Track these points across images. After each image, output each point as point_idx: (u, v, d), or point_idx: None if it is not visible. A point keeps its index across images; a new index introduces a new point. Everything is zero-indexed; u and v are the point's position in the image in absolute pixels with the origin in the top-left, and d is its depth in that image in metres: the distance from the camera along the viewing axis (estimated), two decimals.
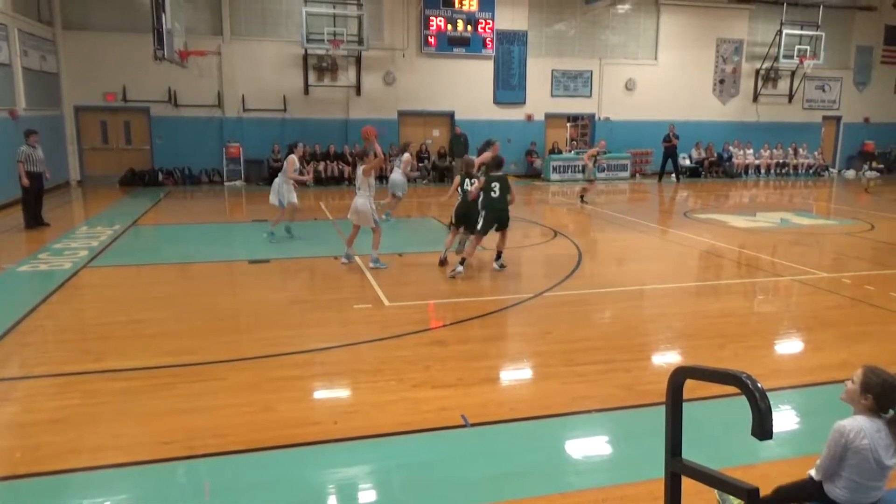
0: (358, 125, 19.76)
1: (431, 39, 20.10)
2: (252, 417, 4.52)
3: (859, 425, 2.83)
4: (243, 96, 19.00)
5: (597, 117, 22.22)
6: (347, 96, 19.87)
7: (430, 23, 20.00)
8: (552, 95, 21.63)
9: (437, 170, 20.57)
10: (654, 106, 22.22)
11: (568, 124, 23.37)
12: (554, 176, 20.91)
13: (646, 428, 4.32)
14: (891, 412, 2.84)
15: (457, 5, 20.05)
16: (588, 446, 4.37)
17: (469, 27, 20.26)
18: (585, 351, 5.95)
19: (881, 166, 24.01)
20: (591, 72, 21.76)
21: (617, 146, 21.80)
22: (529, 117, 21.57)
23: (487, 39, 20.44)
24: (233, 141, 18.90)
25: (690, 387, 2.51)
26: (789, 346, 6.54)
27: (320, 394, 5.12)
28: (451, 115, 21.07)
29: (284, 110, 19.37)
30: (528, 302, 7.54)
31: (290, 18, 19.02)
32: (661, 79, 22.36)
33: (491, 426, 4.47)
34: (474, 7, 20.16)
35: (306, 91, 19.43)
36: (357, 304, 7.33)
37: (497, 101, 21.16)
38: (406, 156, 12.97)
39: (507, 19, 20.54)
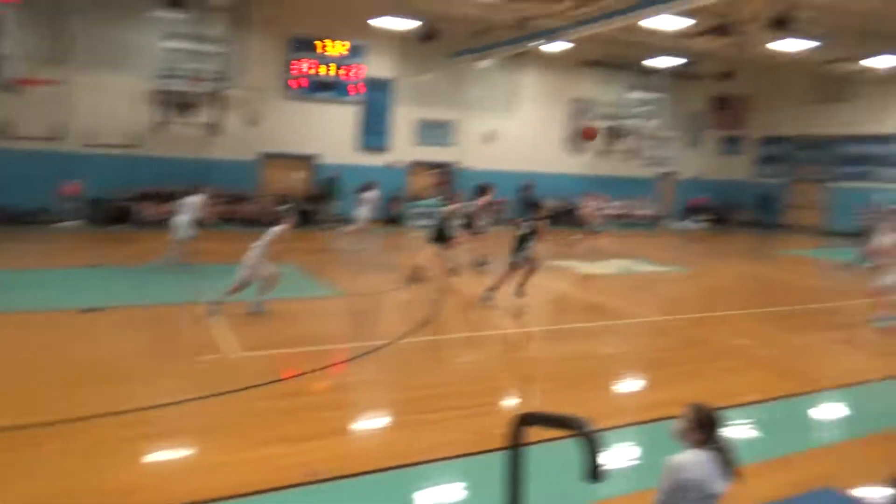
0: (219, 165, 19.07)
1: (297, 82, 19.93)
2: (73, 486, 4.06)
3: (690, 459, 3.04)
4: (90, 130, 17.66)
5: (459, 166, 22.96)
6: (207, 135, 19.10)
7: (297, 65, 19.85)
8: (417, 143, 22.12)
9: (301, 213, 20.14)
10: (512, 157, 23.33)
11: (430, 172, 23.93)
12: (417, 222, 21.21)
13: (496, 473, 4.36)
14: (717, 443, 3.08)
15: (326, 50, 20.09)
16: (438, 495, 4.34)
17: (338, 72, 20.33)
18: (440, 397, 5.97)
19: (710, 217, 26.71)
20: (454, 122, 22.54)
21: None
22: (394, 164, 21.86)
23: (355, 85, 20.61)
24: (72, 177, 17.38)
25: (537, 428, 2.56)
26: (628, 385, 6.96)
27: (156, 456, 4.71)
28: (315, 159, 20.88)
29: (136, 147, 18.22)
30: (385, 349, 7.48)
31: (147, 51, 18.10)
32: (518, 132, 23.59)
33: (342, 480, 4.32)
34: (344, 52, 20.30)
35: (162, 127, 18.44)
36: (201, 355, 6.88)
37: (364, 147, 21.28)
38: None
39: (376, 67, 20.88)
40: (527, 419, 2.60)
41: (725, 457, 3.03)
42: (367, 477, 4.40)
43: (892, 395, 7.06)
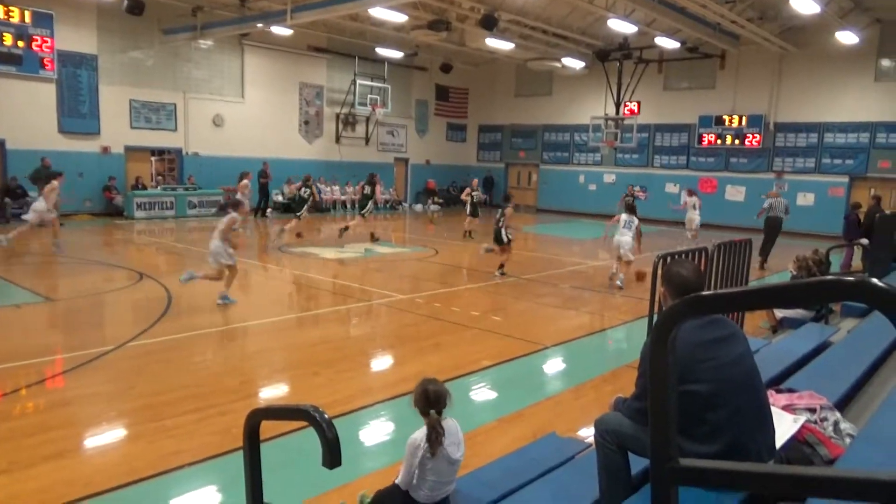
0: None
1: None
2: None
3: (424, 434, 3.11)
4: None
5: (184, 152, 21.24)
6: None
7: None
8: (132, 127, 19.90)
9: None
10: (244, 142, 22.29)
11: (153, 158, 21.80)
12: (139, 213, 19.18)
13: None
14: (434, 414, 3.13)
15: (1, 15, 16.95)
16: None
17: (20, 42, 17.31)
18: (177, 401, 5.43)
19: (441, 201, 28.50)
20: (175, 105, 20.74)
21: (208, 182, 21.18)
22: (105, 149, 19.43)
23: (46, 59, 17.76)
24: None
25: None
26: (376, 364, 7.07)
27: None
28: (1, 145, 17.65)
29: None
30: (109, 355, 6.61)
31: None
32: (249, 116, 22.57)
33: None
34: (26, 20, 17.32)
35: None
36: None
37: (63, 130, 18.51)
38: None
39: (71, 40, 18.21)
40: (258, 415, 2.46)
41: (431, 430, 3.05)
42: (107, 496, 3.86)
43: (597, 347, 8.21)
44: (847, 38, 18.35)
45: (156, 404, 5.35)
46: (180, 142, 21.08)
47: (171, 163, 21.78)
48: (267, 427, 4.23)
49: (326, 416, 2.08)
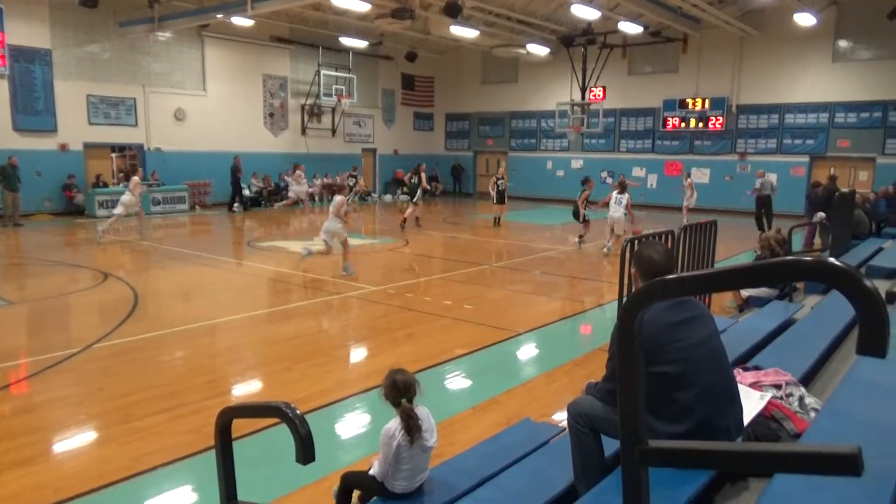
0: None
1: None
2: None
3: (398, 423, 3.11)
4: None
5: (146, 147, 20.80)
6: None
7: None
8: (91, 123, 19.41)
9: None
10: (208, 137, 21.91)
11: (113, 155, 21.30)
12: (101, 212, 18.70)
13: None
14: (406, 403, 3.14)
15: None
16: None
17: None
18: (147, 401, 5.35)
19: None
20: (135, 99, 20.27)
21: (172, 178, 20.80)
22: (63, 147, 18.94)
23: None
24: None
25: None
26: (349, 357, 7.05)
27: None
28: None
29: None
30: (76, 357, 6.47)
31: None
32: (211, 110, 22.17)
33: None
34: None
35: None
36: None
37: (18, 128, 17.97)
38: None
39: (23, 34, 17.66)
40: (229, 413, 2.44)
41: (406, 420, 3.07)
42: (78, 501, 3.81)
43: (569, 332, 8.30)
44: (805, 19, 18.69)
45: (126, 405, 5.26)
46: (141, 137, 20.64)
47: (133, 159, 21.32)
48: (241, 424, 4.21)
49: (299, 411, 2.07)
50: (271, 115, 24.22)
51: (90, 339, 7.01)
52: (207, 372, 6.21)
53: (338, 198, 10.74)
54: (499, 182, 18.23)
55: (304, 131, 25.22)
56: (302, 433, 1.98)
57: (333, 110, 25.82)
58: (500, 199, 18.22)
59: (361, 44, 24.25)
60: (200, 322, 8.04)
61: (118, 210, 14.36)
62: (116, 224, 14.67)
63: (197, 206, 21.46)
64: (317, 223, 19.05)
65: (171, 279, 10.88)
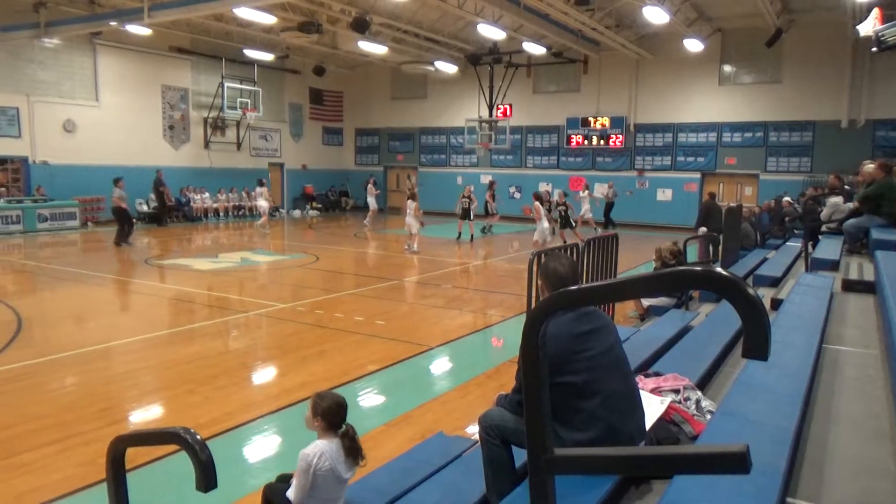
0: None
1: None
2: None
3: (320, 449, 3.04)
4: None
5: (31, 160, 19.44)
6: None
7: None
8: None
9: None
10: (101, 149, 20.72)
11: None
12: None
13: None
14: (343, 427, 3.13)
15: None
16: None
17: None
18: (34, 433, 4.96)
19: (320, 206, 27.98)
20: (18, 108, 18.94)
21: (61, 192, 19.53)
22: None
23: None
24: None
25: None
26: (257, 377, 6.82)
27: None
28: None
29: None
30: None
31: None
32: (105, 121, 21.00)
33: None
34: None
35: None
36: None
37: None
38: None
39: None
40: (123, 441, 2.29)
41: (351, 443, 3.08)
42: None
43: (480, 345, 8.39)
44: (693, 45, 19.96)
45: (9, 438, 4.86)
46: (26, 150, 19.28)
47: (16, 172, 19.85)
48: (139, 453, 3.97)
49: (199, 436, 1.97)
50: (171, 127, 23.25)
51: None
52: (102, 399, 5.83)
53: (414, 203, 15.53)
54: (464, 200, 19.21)
55: (207, 145, 24.36)
56: (202, 458, 1.88)
57: (238, 124, 25.12)
58: (465, 215, 19.00)
59: (267, 56, 23.77)
60: (93, 346, 7.55)
61: (263, 210, 16.21)
62: (266, 223, 16.25)
63: (89, 223, 20.22)
64: (220, 240, 18.43)
65: (61, 301, 10.18)
